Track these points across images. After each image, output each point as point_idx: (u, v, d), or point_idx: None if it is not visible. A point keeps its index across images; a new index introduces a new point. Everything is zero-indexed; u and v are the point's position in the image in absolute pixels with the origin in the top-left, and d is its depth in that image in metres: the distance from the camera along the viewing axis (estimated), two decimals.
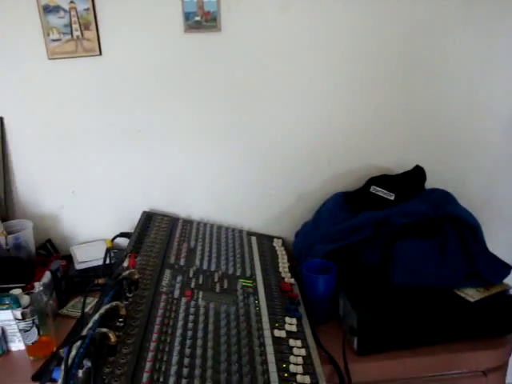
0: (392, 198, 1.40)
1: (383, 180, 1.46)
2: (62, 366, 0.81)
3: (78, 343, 0.85)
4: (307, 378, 0.97)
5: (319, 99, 1.53)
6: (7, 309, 1.18)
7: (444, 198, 1.41)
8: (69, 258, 1.56)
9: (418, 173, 1.48)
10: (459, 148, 1.61)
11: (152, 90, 1.51)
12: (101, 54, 1.46)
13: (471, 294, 1.18)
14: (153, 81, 1.50)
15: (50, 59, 1.46)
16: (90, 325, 0.90)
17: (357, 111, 1.55)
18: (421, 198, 1.41)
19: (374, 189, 1.43)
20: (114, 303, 0.96)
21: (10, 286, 1.25)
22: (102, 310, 0.93)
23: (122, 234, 1.46)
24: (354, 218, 1.38)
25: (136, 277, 1.09)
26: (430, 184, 1.49)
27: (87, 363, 0.83)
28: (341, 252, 1.32)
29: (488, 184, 1.67)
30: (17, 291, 1.19)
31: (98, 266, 1.46)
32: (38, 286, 1.21)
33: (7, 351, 1.22)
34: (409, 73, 1.52)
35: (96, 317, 0.91)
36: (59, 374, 0.82)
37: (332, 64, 1.50)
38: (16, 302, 1.16)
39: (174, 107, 1.53)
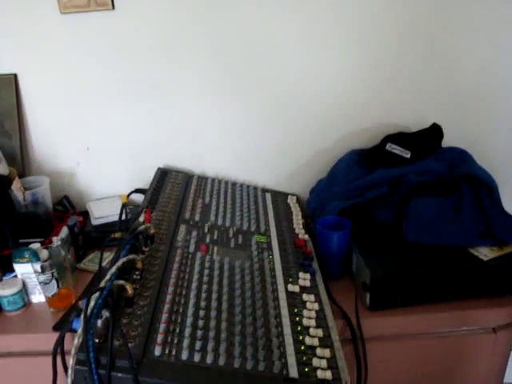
0: (408, 155, 1.38)
1: (399, 138, 1.44)
2: (82, 316, 0.83)
3: (97, 294, 0.87)
4: (320, 332, 0.99)
5: (335, 54, 1.50)
6: (27, 262, 1.21)
7: (461, 157, 1.40)
8: (85, 214, 1.58)
9: (435, 131, 1.46)
10: (480, 106, 1.57)
11: (166, 44, 1.49)
12: (114, 8, 1.44)
13: (485, 253, 1.18)
14: (166, 35, 1.48)
15: (62, 13, 1.44)
16: (107, 277, 0.91)
17: (374, 68, 1.51)
18: (437, 157, 1.40)
19: (389, 146, 1.41)
20: (130, 256, 0.98)
21: (29, 240, 1.28)
22: (119, 263, 0.94)
23: (138, 190, 1.47)
24: (369, 175, 1.37)
25: (152, 231, 1.10)
26: (447, 143, 1.46)
27: (106, 313, 0.85)
28: (355, 209, 1.32)
29: (508, 145, 1.63)
30: (36, 245, 1.22)
31: (113, 222, 1.48)
32: (56, 241, 1.23)
33: (28, 303, 1.26)
34: (428, 25, 1.47)
35: (113, 269, 0.93)
36: (79, 324, 0.84)
37: (348, 16, 1.46)
38: (35, 256, 1.19)
39: (188, 62, 1.50)
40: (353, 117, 1.56)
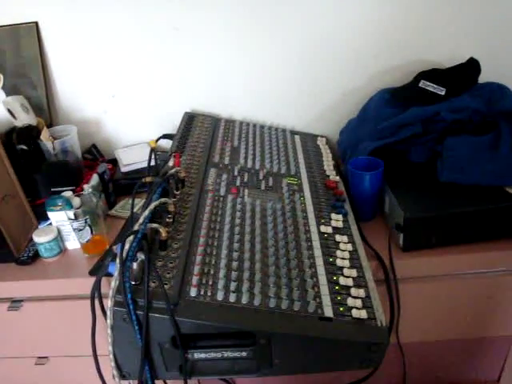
0: (443, 92, 1.32)
1: (433, 74, 1.37)
2: (117, 259, 0.84)
3: (131, 238, 0.87)
4: (354, 272, 0.98)
5: None
6: (60, 210, 1.22)
7: (499, 93, 1.32)
8: (114, 162, 1.58)
9: (471, 66, 1.37)
10: None
11: None
12: None
13: None
14: None
15: None
16: (140, 220, 0.92)
17: (405, 2, 1.42)
18: (473, 93, 1.33)
19: (423, 83, 1.34)
20: (162, 200, 0.97)
21: (61, 189, 1.29)
22: (151, 206, 0.94)
23: (165, 136, 1.46)
24: (401, 114, 1.32)
25: (182, 175, 1.09)
26: (484, 79, 1.38)
27: (140, 256, 0.86)
28: (387, 149, 1.29)
29: None
30: (68, 193, 1.23)
31: (142, 168, 1.48)
32: (87, 188, 1.24)
33: (64, 249, 1.28)
34: None
35: (146, 212, 0.93)
36: (114, 268, 0.85)
37: None
38: (68, 204, 1.20)
39: (213, 2, 1.44)
40: (383, 54, 1.49)
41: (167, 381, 1.07)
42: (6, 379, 1.44)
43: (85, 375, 1.22)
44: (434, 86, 1.32)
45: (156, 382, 0.92)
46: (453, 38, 1.46)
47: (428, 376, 1.41)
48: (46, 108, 1.58)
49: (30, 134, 1.41)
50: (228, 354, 0.87)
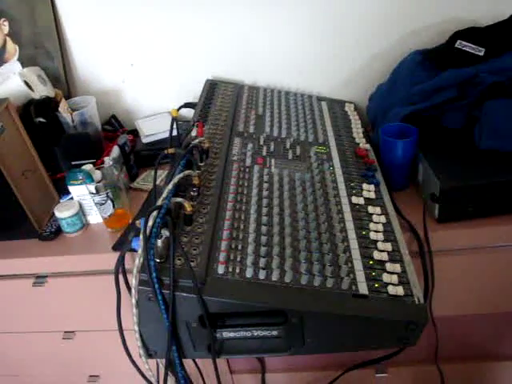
0: (481, 53, 1.23)
1: (471, 33, 1.28)
2: (141, 236, 0.80)
3: (155, 213, 0.83)
4: (388, 246, 0.93)
5: None
6: (81, 184, 1.19)
7: None
8: (134, 133, 1.54)
9: None
10: None
11: None
12: None
13: None
14: None
15: None
16: (164, 195, 0.87)
17: None
18: None
19: (460, 43, 1.26)
20: (186, 172, 0.93)
21: (82, 162, 1.26)
22: (175, 180, 0.90)
23: (187, 105, 1.40)
24: (436, 77, 1.24)
25: (206, 145, 1.04)
26: None
27: (165, 233, 0.82)
28: (421, 115, 1.21)
29: None
30: (88, 167, 1.20)
31: (164, 139, 1.44)
32: (107, 161, 1.20)
33: (86, 224, 1.26)
34: None
35: (170, 186, 0.88)
36: (138, 244, 0.82)
37: None
38: (89, 177, 1.16)
39: None
40: (414, 12, 1.40)
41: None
42: (35, 353, 1.45)
43: (111, 349, 1.21)
44: (472, 46, 1.24)
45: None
46: None
47: (460, 350, 1.37)
48: (63, 79, 1.55)
49: (47, 106, 1.38)
50: (258, 333, 0.84)
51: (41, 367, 1.49)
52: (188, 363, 0.91)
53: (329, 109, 1.41)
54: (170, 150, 0.99)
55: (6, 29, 1.50)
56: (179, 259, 0.82)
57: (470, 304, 1.23)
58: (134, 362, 0.93)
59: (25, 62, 1.52)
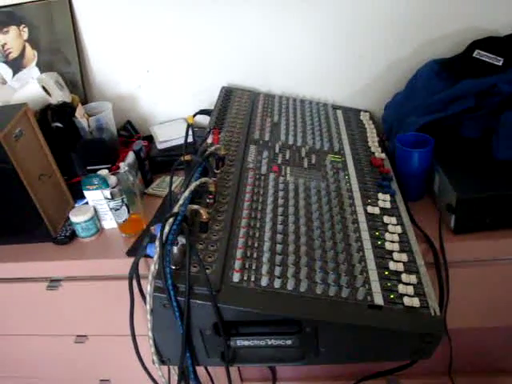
0: (500, 63, 1.22)
1: (489, 43, 1.28)
2: (157, 243, 0.80)
3: (171, 220, 0.83)
4: (404, 256, 0.93)
5: None
6: (97, 189, 1.20)
7: None
8: (149, 139, 1.55)
9: None
10: None
11: None
12: None
13: None
14: None
15: None
16: (180, 202, 0.88)
17: None
18: None
19: (478, 53, 1.25)
20: (203, 179, 0.93)
21: (97, 167, 1.27)
22: (191, 187, 0.90)
23: (202, 111, 1.41)
24: (453, 87, 1.24)
25: (223, 152, 1.04)
26: None
27: (181, 240, 0.82)
28: (437, 125, 1.21)
29: None
30: (104, 172, 1.21)
31: (179, 145, 1.45)
32: (123, 167, 1.21)
33: (101, 229, 1.27)
34: None
35: (186, 193, 0.88)
36: (153, 250, 0.82)
37: None
38: (104, 183, 1.17)
39: None
40: (432, 21, 1.39)
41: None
42: (47, 356, 1.46)
43: (123, 354, 1.22)
44: (491, 55, 1.23)
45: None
46: (510, 2, 1.34)
47: (474, 363, 1.35)
48: (80, 84, 1.56)
49: (64, 111, 1.39)
50: (272, 341, 0.84)
51: (52, 370, 1.50)
52: (199, 370, 0.90)
53: (344, 117, 1.41)
54: (187, 157, 0.99)
55: (25, 35, 1.52)
56: (194, 266, 0.82)
57: (484, 316, 1.21)
58: (145, 368, 0.94)
59: (43, 67, 1.53)
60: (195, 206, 0.88)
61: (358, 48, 1.45)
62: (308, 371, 1.43)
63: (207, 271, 0.82)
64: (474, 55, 1.26)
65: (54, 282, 1.24)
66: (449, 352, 1.19)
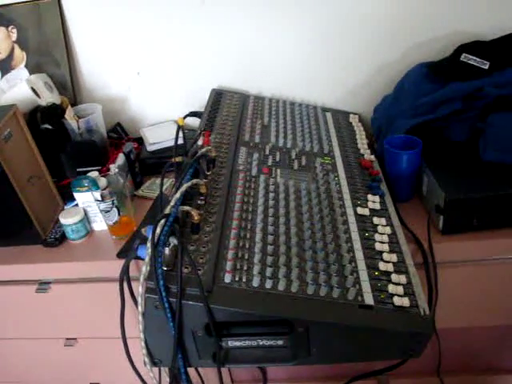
0: (486, 66, 1.24)
1: (475, 47, 1.29)
2: (149, 244, 0.80)
3: (162, 221, 0.83)
4: (394, 257, 0.94)
5: None
6: (87, 191, 1.20)
7: None
8: (139, 141, 1.55)
9: None
10: None
11: None
12: None
13: None
14: None
15: None
16: (172, 203, 0.88)
17: None
18: None
19: (465, 57, 1.27)
20: (194, 181, 0.93)
21: (87, 169, 1.26)
22: (182, 188, 0.90)
23: (193, 114, 1.41)
24: (440, 89, 1.25)
25: (213, 154, 1.05)
26: None
27: (173, 241, 0.82)
28: (425, 127, 1.22)
29: None
30: (94, 174, 1.20)
31: (169, 147, 1.45)
32: (113, 168, 1.21)
33: (91, 231, 1.26)
34: None
35: (178, 195, 0.89)
36: (144, 252, 0.82)
37: None
38: (94, 185, 1.17)
39: None
40: (420, 25, 1.41)
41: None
42: (36, 359, 1.44)
43: (113, 356, 1.21)
44: (477, 59, 1.25)
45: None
46: (496, 7, 1.37)
47: (463, 363, 1.37)
48: (69, 86, 1.55)
49: (54, 113, 1.38)
50: (263, 342, 0.84)
51: (41, 374, 1.49)
52: (189, 372, 0.91)
53: (333, 120, 1.42)
54: (177, 159, 0.99)
55: (14, 36, 1.51)
56: (186, 267, 0.82)
57: (473, 316, 1.22)
58: (136, 371, 0.93)
59: (32, 68, 1.52)
60: (186, 208, 0.88)
61: (346, 51, 1.46)
62: (298, 372, 1.43)
63: (199, 272, 0.82)
64: (461, 59, 1.27)
65: (43, 285, 1.23)
66: (438, 352, 1.21)
